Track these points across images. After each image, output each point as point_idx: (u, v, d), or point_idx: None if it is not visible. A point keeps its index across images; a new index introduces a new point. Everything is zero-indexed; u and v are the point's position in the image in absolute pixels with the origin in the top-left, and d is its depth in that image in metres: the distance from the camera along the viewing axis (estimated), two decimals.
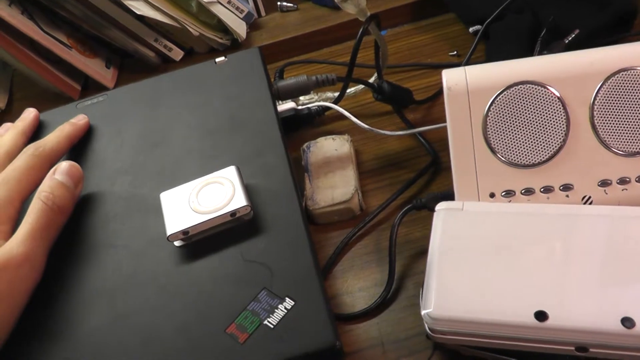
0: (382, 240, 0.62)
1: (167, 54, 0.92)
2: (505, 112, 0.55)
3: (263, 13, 0.97)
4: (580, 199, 0.54)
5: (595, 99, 0.54)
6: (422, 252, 0.59)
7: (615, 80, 0.54)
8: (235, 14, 0.90)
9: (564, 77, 0.55)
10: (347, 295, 0.58)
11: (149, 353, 0.45)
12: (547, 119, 0.54)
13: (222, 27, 0.91)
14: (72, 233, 0.53)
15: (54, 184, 0.52)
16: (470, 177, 0.56)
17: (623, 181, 0.54)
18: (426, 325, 0.48)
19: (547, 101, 0.54)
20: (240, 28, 0.91)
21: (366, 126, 0.68)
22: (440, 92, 0.76)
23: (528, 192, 0.54)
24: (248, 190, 0.51)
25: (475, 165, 0.56)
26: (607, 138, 0.54)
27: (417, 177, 0.66)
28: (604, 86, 0.54)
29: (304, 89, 0.69)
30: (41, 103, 0.91)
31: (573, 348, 0.44)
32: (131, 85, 0.68)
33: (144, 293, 0.49)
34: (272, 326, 0.44)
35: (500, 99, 0.55)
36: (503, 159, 0.55)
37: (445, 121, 0.57)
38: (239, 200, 0.50)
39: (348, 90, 0.76)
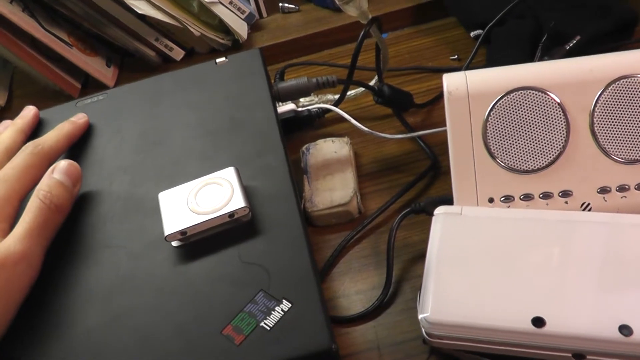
0: (380, 244, 0.62)
1: (167, 53, 0.92)
2: (506, 118, 0.55)
3: (264, 14, 0.97)
4: (579, 205, 0.54)
5: (595, 105, 0.54)
6: (420, 256, 0.59)
7: (616, 87, 0.54)
8: (237, 15, 0.90)
9: (565, 84, 0.55)
10: (344, 297, 0.58)
11: (146, 353, 0.45)
12: (547, 125, 0.54)
13: (223, 28, 0.91)
14: (69, 232, 0.53)
15: (53, 182, 0.52)
16: (469, 182, 0.56)
17: (622, 189, 0.53)
18: (423, 330, 0.48)
19: (547, 107, 0.54)
20: (241, 29, 0.91)
21: (366, 129, 0.68)
22: (440, 96, 0.76)
23: (527, 197, 0.54)
24: (247, 192, 0.51)
25: (474, 170, 0.55)
26: (607, 145, 0.54)
27: (416, 181, 0.66)
28: (604, 93, 0.54)
29: (304, 91, 0.69)
30: (41, 101, 0.91)
31: (570, 355, 0.44)
32: (131, 85, 0.67)
33: (140, 293, 0.48)
34: (268, 328, 0.44)
35: (500, 104, 0.55)
36: (502, 164, 0.55)
37: (445, 125, 0.57)
38: (238, 202, 0.50)
39: (348, 93, 0.76)
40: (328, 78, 0.69)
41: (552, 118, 0.54)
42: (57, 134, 0.59)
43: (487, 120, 0.55)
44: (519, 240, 0.50)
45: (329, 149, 0.69)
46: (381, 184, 0.68)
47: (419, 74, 0.83)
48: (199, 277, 0.48)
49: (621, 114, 0.54)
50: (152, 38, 0.90)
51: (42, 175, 0.54)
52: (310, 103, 0.77)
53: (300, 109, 0.74)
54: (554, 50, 0.72)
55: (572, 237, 0.50)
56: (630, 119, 0.54)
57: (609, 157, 0.54)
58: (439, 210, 0.54)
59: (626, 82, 0.54)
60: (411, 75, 0.83)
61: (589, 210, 0.54)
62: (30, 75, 0.91)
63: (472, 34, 0.84)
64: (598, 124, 0.54)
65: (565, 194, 0.54)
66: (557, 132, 0.54)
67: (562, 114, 0.54)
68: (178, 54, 0.93)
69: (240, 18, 0.91)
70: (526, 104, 0.55)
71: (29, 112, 0.64)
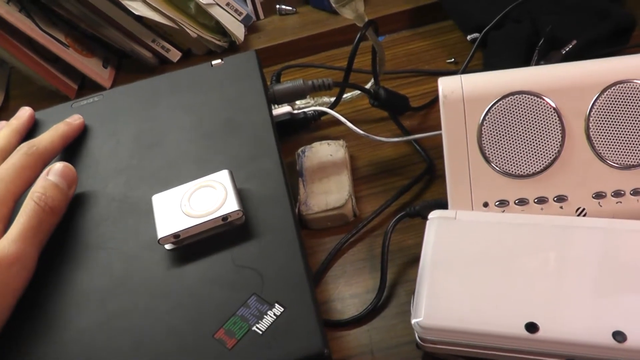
0: (374, 247, 0.62)
1: (164, 55, 0.92)
2: (501, 122, 0.55)
3: (261, 16, 0.97)
4: (574, 210, 0.54)
5: (591, 110, 0.54)
6: (414, 260, 0.59)
7: (612, 92, 0.54)
8: (234, 17, 0.90)
9: (560, 88, 0.55)
10: (338, 301, 0.58)
11: (138, 356, 0.45)
12: (543, 130, 0.54)
13: (220, 29, 0.91)
14: (63, 234, 0.53)
15: (47, 184, 0.52)
16: (464, 186, 0.55)
17: (618, 194, 0.53)
18: (416, 334, 0.47)
19: (542, 112, 0.54)
20: (238, 30, 0.91)
21: (362, 132, 0.68)
22: (436, 99, 0.76)
23: (522, 202, 0.54)
24: (240, 195, 0.51)
25: (469, 174, 0.55)
26: (603, 150, 0.54)
27: (411, 185, 0.66)
28: (600, 98, 0.54)
29: (300, 93, 0.69)
30: (38, 101, 0.91)
31: None
32: (127, 86, 0.67)
33: (134, 296, 0.48)
34: (260, 332, 0.44)
35: (495, 108, 0.55)
36: (497, 168, 0.55)
37: (441, 129, 0.57)
38: (231, 205, 0.50)
39: (344, 96, 0.76)
40: (324, 80, 0.68)
41: (547, 123, 0.54)
42: (52, 134, 0.59)
43: (482, 124, 0.55)
44: (513, 245, 0.50)
45: (325, 151, 0.69)
46: (376, 187, 0.68)
47: (416, 77, 0.83)
48: (192, 280, 0.48)
49: (617, 119, 0.54)
50: (149, 39, 0.90)
51: (36, 176, 0.54)
52: (306, 105, 0.77)
53: (296, 112, 0.74)
54: (550, 54, 0.72)
55: (566, 243, 0.49)
56: (625, 124, 0.54)
57: (605, 162, 0.54)
58: (434, 214, 0.54)
59: (622, 87, 0.54)
60: (408, 78, 0.83)
61: (584, 215, 0.54)
62: (26, 76, 0.91)
63: (469, 37, 0.84)
64: (594, 129, 0.54)
65: (560, 199, 0.54)
66: (553, 136, 0.54)
67: (557, 118, 0.54)
68: (175, 55, 0.93)
69: (237, 20, 0.91)
70: (521, 108, 0.55)
71: (24, 113, 0.64)
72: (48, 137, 0.58)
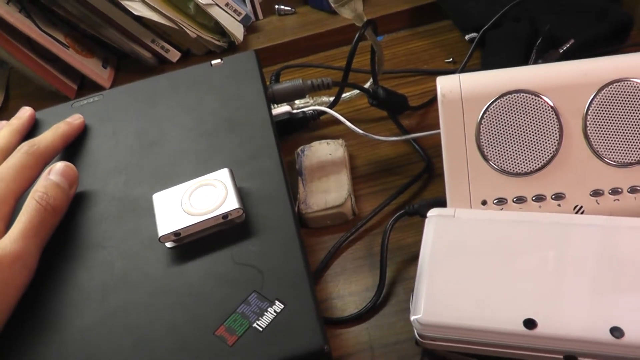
0: (374, 246, 0.62)
1: (164, 55, 0.92)
2: (499, 120, 0.55)
3: (260, 16, 0.98)
4: (572, 208, 0.54)
5: (588, 109, 0.54)
6: (413, 258, 0.59)
7: (609, 91, 0.54)
8: (233, 17, 0.91)
9: (558, 87, 0.55)
10: (337, 299, 0.58)
11: (139, 353, 0.45)
12: (540, 128, 0.55)
13: (219, 30, 0.92)
14: (64, 233, 0.53)
15: (49, 184, 0.53)
16: (462, 184, 0.56)
17: (615, 192, 0.54)
18: (415, 331, 0.48)
19: (540, 110, 0.55)
20: (237, 31, 0.91)
21: (361, 131, 0.69)
22: (435, 99, 0.76)
23: (520, 200, 0.55)
24: (241, 193, 0.52)
25: (467, 173, 0.56)
26: (600, 148, 0.54)
27: (410, 183, 0.67)
28: (597, 97, 0.54)
29: (300, 93, 0.69)
30: (37, 101, 0.91)
31: (561, 357, 0.44)
32: (127, 86, 0.68)
33: (134, 294, 0.49)
34: (261, 329, 0.44)
35: (493, 107, 0.55)
36: (495, 166, 0.55)
37: (439, 128, 0.57)
38: (231, 203, 0.50)
39: (343, 95, 0.77)
40: (323, 80, 0.69)
41: (545, 121, 0.55)
42: (52, 134, 0.59)
43: (480, 123, 0.55)
44: (511, 243, 0.50)
45: (324, 151, 0.69)
46: (375, 186, 0.68)
47: (414, 77, 0.83)
48: (192, 278, 0.48)
49: (614, 117, 0.54)
50: (149, 39, 0.90)
51: (37, 175, 0.54)
52: (305, 105, 0.78)
53: (295, 111, 0.74)
54: (548, 53, 0.72)
55: (564, 240, 0.50)
56: (623, 122, 0.54)
57: (602, 160, 0.54)
58: (432, 213, 0.54)
59: (619, 85, 0.54)
60: (406, 77, 0.83)
61: (582, 213, 0.54)
62: (26, 76, 0.91)
63: (467, 37, 0.84)
64: (591, 127, 0.54)
65: (558, 196, 0.54)
66: (550, 135, 0.55)
67: (555, 117, 0.55)
68: (174, 55, 0.93)
69: (236, 20, 0.91)
70: (519, 107, 0.55)
71: (24, 112, 0.64)
72: (49, 136, 0.58)
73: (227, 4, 0.89)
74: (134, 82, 0.68)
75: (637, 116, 0.54)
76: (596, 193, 0.54)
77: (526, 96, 0.55)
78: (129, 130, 0.62)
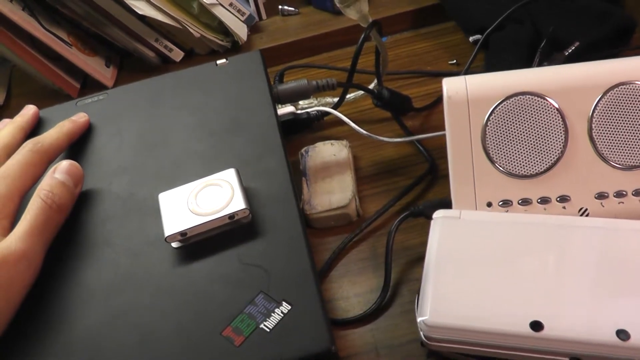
0: (378, 247, 0.62)
1: (167, 54, 0.92)
2: (505, 122, 0.55)
3: (264, 16, 0.98)
4: (577, 210, 0.54)
5: (594, 111, 0.54)
6: (418, 259, 0.59)
7: (614, 93, 0.54)
8: (237, 17, 0.90)
9: (564, 89, 0.55)
10: (342, 300, 0.58)
11: (145, 353, 0.45)
12: (546, 131, 0.55)
13: (222, 29, 0.91)
14: (69, 231, 0.53)
15: (54, 182, 0.52)
16: (468, 186, 0.56)
17: (620, 194, 0.54)
18: (421, 333, 0.48)
19: (546, 112, 0.55)
20: (241, 31, 0.91)
21: (365, 132, 0.69)
22: (439, 100, 0.77)
23: (525, 202, 0.55)
24: (247, 193, 0.52)
25: (473, 174, 0.56)
26: (605, 151, 0.54)
27: (414, 185, 0.67)
28: (602, 99, 0.54)
29: (304, 94, 0.69)
30: (39, 100, 0.90)
31: (567, 359, 0.44)
32: (132, 85, 0.68)
33: (140, 293, 0.49)
34: (268, 330, 0.44)
35: (499, 109, 0.55)
36: (501, 168, 0.55)
37: (443, 129, 0.57)
38: (238, 203, 0.50)
39: (347, 96, 0.77)
40: (327, 81, 0.69)
41: (550, 123, 0.55)
42: (57, 131, 0.59)
43: (486, 124, 0.55)
44: (517, 245, 0.50)
45: (328, 151, 0.69)
46: (380, 187, 0.68)
47: (418, 78, 0.83)
48: (199, 278, 0.48)
49: (619, 120, 0.54)
50: (152, 39, 0.90)
51: (42, 173, 0.54)
52: (309, 105, 0.78)
53: (299, 112, 0.74)
54: (553, 55, 0.72)
55: (569, 242, 0.50)
56: (628, 125, 0.54)
57: (607, 163, 0.54)
58: (438, 214, 0.54)
59: (625, 88, 0.54)
60: (410, 78, 0.83)
61: (587, 215, 0.54)
62: (29, 74, 0.91)
63: (471, 38, 0.84)
64: (596, 129, 0.54)
65: (563, 199, 0.54)
66: (556, 137, 0.55)
67: (560, 119, 0.55)
68: (177, 55, 0.93)
69: (240, 20, 0.91)
70: (525, 109, 0.55)
71: (28, 110, 0.64)
72: (53, 133, 0.58)
73: (231, 4, 0.89)
74: (139, 81, 0.68)
75: None
76: (601, 196, 0.54)
77: (532, 98, 0.55)
78: (134, 129, 0.62)
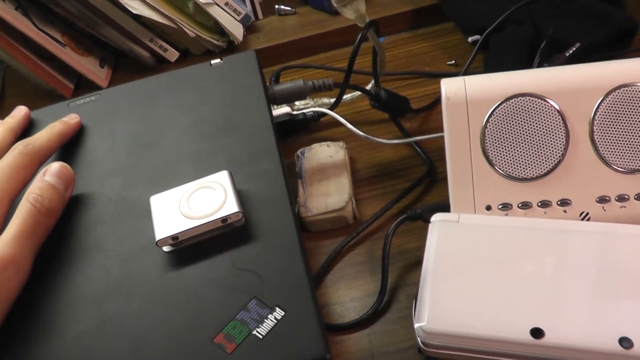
0: (375, 250, 0.61)
1: (162, 54, 0.91)
2: (504, 124, 0.54)
3: (260, 16, 0.97)
4: (578, 214, 0.53)
5: (595, 114, 0.53)
6: (415, 264, 0.58)
7: (616, 95, 0.53)
8: (232, 16, 0.90)
9: (565, 91, 0.54)
10: (338, 305, 0.57)
11: (136, 359, 0.44)
12: (546, 133, 0.54)
13: (218, 29, 0.91)
14: (59, 235, 0.52)
15: (44, 185, 0.51)
16: (466, 189, 0.55)
17: (622, 198, 0.53)
18: (418, 339, 0.47)
19: (546, 114, 0.54)
20: (237, 30, 0.90)
21: (362, 134, 0.68)
22: (437, 101, 0.76)
23: (525, 206, 0.54)
24: (240, 196, 0.51)
25: (472, 177, 0.55)
26: (607, 154, 0.53)
27: (412, 187, 0.66)
28: (604, 101, 0.53)
29: (300, 94, 0.68)
30: (33, 100, 0.90)
31: None
32: (125, 85, 0.66)
33: (131, 299, 0.47)
34: (261, 337, 0.43)
35: (499, 110, 0.54)
36: (501, 171, 0.54)
37: (442, 131, 0.56)
38: (231, 206, 0.49)
39: (344, 97, 0.76)
40: (324, 81, 0.68)
41: (551, 126, 0.54)
42: (48, 133, 0.58)
43: (485, 126, 0.54)
44: (517, 249, 0.49)
45: (324, 153, 0.68)
46: (377, 190, 0.67)
47: (416, 79, 0.82)
48: (190, 283, 0.47)
49: (621, 122, 0.53)
50: (147, 39, 0.89)
51: (32, 175, 0.53)
52: (305, 106, 0.77)
53: (295, 112, 0.74)
54: (553, 57, 0.72)
55: (571, 247, 0.49)
56: (630, 128, 0.53)
57: (609, 166, 0.53)
58: (436, 218, 0.53)
59: (626, 90, 0.53)
60: (408, 79, 0.82)
61: (588, 219, 0.53)
62: (22, 75, 0.90)
63: (469, 39, 0.84)
64: (598, 132, 0.53)
65: (564, 202, 0.53)
66: (557, 140, 0.54)
67: (561, 121, 0.54)
68: (172, 55, 0.92)
69: (236, 20, 0.90)
70: (525, 110, 0.54)
71: (19, 112, 0.63)
72: (44, 135, 0.57)
73: (226, 4, 0.88)
74: (132, 82, 0.67)
75: None
76: (603, 200, 0.53)
77: (533, 100, 0.54)
78: (126, 131, 0.61)
